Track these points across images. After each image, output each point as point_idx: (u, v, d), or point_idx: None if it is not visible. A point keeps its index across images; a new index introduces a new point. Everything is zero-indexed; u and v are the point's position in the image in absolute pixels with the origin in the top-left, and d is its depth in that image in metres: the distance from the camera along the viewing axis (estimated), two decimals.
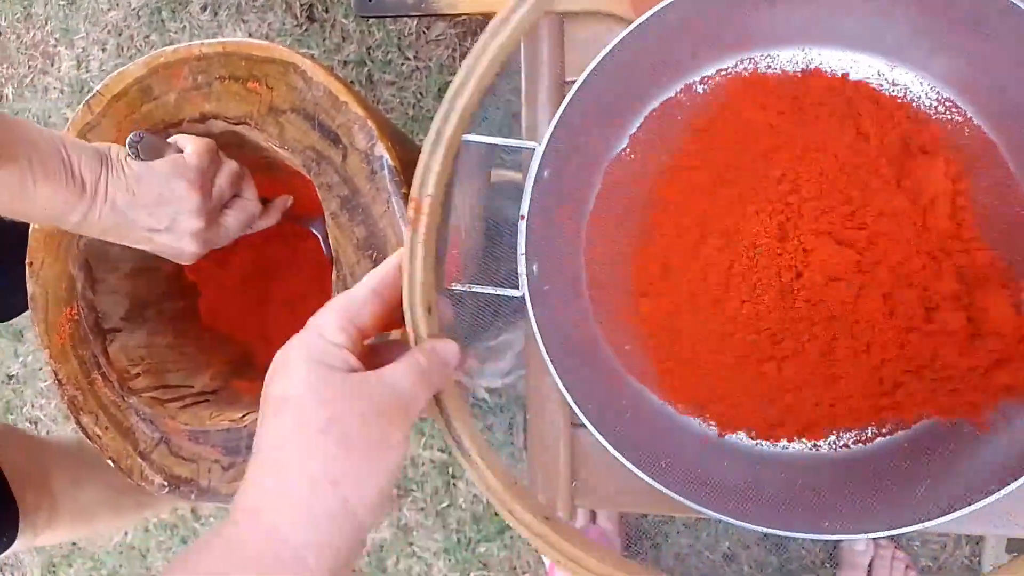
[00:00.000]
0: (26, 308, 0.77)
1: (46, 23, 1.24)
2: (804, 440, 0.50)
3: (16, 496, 0.71)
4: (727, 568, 1.04)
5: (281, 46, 0.54)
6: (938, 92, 0.48)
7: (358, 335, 0.32)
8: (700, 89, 0.52)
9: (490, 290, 0.49)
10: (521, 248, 0.47)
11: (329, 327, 0.31)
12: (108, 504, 0.83)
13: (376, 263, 0.52)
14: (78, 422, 0.60)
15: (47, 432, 1.28)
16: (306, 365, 0.30)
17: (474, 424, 0.34)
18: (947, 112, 0.48)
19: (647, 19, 0.45)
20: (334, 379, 0.30)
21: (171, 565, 0.29)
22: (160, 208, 0.49)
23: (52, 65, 1.24)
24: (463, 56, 1.05)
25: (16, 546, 0.73)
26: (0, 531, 0.70)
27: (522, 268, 0.47)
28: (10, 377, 1.30)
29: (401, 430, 0.30)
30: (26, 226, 0.66)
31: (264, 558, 0.28)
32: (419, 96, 1.08)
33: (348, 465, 0.29)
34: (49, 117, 1.24)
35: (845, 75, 0.49)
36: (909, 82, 0.49)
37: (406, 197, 0.52)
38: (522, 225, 0.47)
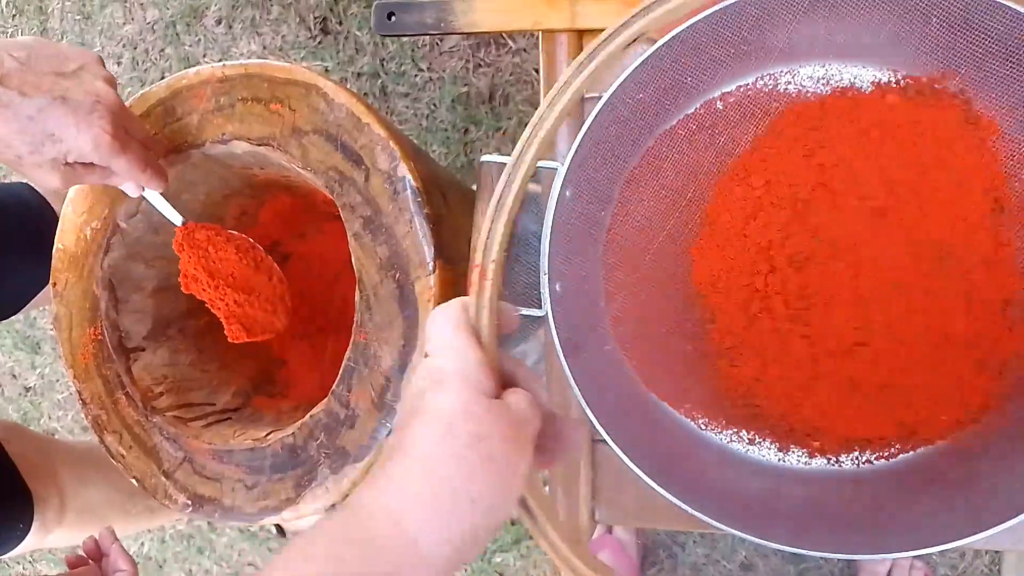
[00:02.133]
0: (19, 305, 0.79)
1: (62, 37, 1.25)
2: (826, 456, 0.50)
3: (29, 486, 0.73)
4: None
5: (303, 67, 0.54)
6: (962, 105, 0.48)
7: (493, 362, 0.33)
8: (720, 106, 0.52)
9: (513, 310, 0.49)
10: (544, 268, 0.47)
11: (475, 353, 0.33)
12: (117, 506, 0.84)
13: (399, 283, 0.52)
14: (102, 441, 0.60)
15: None
16: (459, 382, 0.31)
17: (539, 484, 0.34)
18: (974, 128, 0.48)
19: (669, 39, 0.46)
20: (482, 400, 0.31)
21: (301, 540, 0.30)
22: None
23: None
24: (477, 67, 1.05)
25: (29, 542, 0.74)
26: (17, 518, 0.72)
27: (545, 287, 0.47)
28: (27, 389, 1.31)
29: (527, 459, 0.31)
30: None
31: (391, 553, 0.29)
32: (433, 107, 1.08)
33: (486, 485, 0.30)
34: None
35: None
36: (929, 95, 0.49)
37: (428, 217, 0.52)
38: (545, 244, 0.47)
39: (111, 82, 0.51)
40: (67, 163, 0.49)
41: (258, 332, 0.60)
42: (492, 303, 0.34)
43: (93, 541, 0.63)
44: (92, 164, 0.50)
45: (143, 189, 0.55)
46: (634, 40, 0.32)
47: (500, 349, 0.35)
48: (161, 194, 0.57)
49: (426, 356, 0.34)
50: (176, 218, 0.58)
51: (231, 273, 0.59)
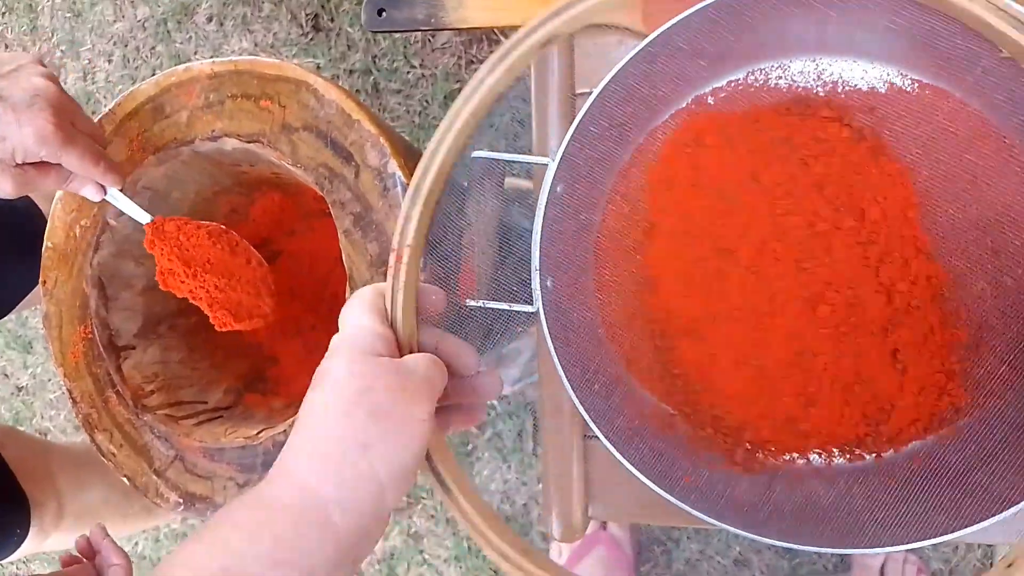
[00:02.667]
0: (9, 306, 0.78)
1: (52, 35, 1.24)
2: (818, 452, 0.50)
3: (25, 490, 0.72)
4: (739, 573, 1.04)
5: (293, 64, 0.54)
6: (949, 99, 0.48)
7: (390, 332, 0.36)
8: (711, 101, 0.52)
9: (504, 306, 0.49)
10: (535, 263, 0.47)
11: (369, 322, 0.35)
12: (115, 508, 0.83)
13: None
14: (93, 440, 0.60)
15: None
16: (348, 348, 0.34)
17: (455, 462, 0.36)
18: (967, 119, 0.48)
19: (660, 34, 0.45)
20: (367, 359, 0.34)
21: (210, 519, 0.32)
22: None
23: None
24: (469, 63, 1.05)
25: (27, 546, 0.74)
26: (15, 524, 0.71)
27: (536, 284, 0.47)
28: (19, 388, 1.30)
29: (424, 408, 0.33)
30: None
31: (292, 510, 0.31)
32: (425, 104, 1.08)
33: (377, 433, 0.32)
34: None
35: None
36: (919, 89, 0.49)
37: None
38: (536, 240, 0.47)
39: (52, 78, 0.50)
40: (18, 165, 0.48)
41: (244, 317, 0.59)
42: (408, 285, 0.36)
43: (85, 540, 0.63)
44: (45, 165, 0.50)
45: (105, 193, 0.54)
46: (548, 41, 0.33)
47: (428, 326, 0.37)
48: (123, 192, 0.56)
49: None
50: (143, 216, 0.57)
51: (207, 259, 0.58)
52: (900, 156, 0.48)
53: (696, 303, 0.50)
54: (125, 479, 0.59)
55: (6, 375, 1.30)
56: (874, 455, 0.49)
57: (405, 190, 0.52)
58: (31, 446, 0.80)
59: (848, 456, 0.49)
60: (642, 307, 0.52)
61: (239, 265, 0.60)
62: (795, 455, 0.50)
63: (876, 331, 0.47)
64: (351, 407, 0.32)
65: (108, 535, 0.62)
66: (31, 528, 0.73)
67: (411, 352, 0.36)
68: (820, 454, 0.50)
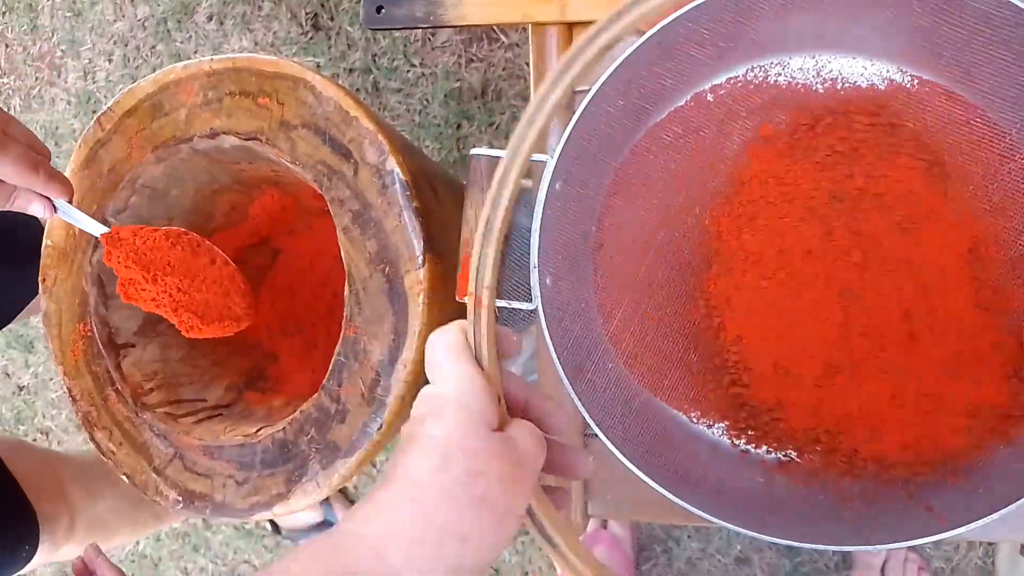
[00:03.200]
0: (9, 316, 0.78)
1: (52, 35, 1.24)
2: (819, 451, 0.50)
3: (34, 507, 0.72)
4: (740, 572, 1.03)
5: (290, 61, 0.54)
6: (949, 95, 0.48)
7: (495, 390, 0.32)
8: (710, 98, 0.52)
9: (503, 303, 0.49)
10: (534, 261, 0.47)
11: (473, 374, 0.31)
12: (125, 516, 0.83)
13: (389, 277, 0.52)
14: (92, 438, 0.60)
15: (58, 443, 1.29)
16: (458, 411, 0.30)
17: (558, 514, 0.33)
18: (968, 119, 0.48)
19: (658, 31, 0.45)
20: (481, 432, 0.30)
21: (280, 567, 0.29)
22: None
23: (59, 76, 1.25)
24: (469, 62, 1.05)
25: (38, 559, 0.73)
26: (22, 541, 0.71)
27: (535, 281, 0.47)
28: (21, 388, 1.30)
29: (525, 499, 0.31)
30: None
31: None
32: (425, 103, 1.08)
33: (478, 524, 0.29)
34: (57, 128, 1.25)
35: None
36: (918, 85, 0.49)
37: (417, 210, 0.52)
38: (534, 238, 0.47)
39: None
40: None
41: (214, 318, 0.58)
42: (490, 329, 0.32)
43: (81, 562, 0.63)
44: None
45: (55, 210, 0.52)
46: (611, 45, 0.30)
47: (508, 373, 0.34)
48: (71, 203, 0.54)
49: (427, 383, 0.32)
50: (97, 229, 0.55)
51: (167, 262, 0.56)
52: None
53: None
54: (124, 477, 0.59)
55: (7, 374, 1.31)
56: (875, 451, 0.49)
57: (403, 187, 0.52)
58: (41, 460, 0.79)
59: (847, 456, 0.49)
60: (644, 302, 0.52)
61: (202, 265, 0.58)
62: (797, 453, 0.50)
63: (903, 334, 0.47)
64: (458, 489, 0.29)
65: (102, 553, 0.62)
66: (42, 543, 0.72)
67: (502, 409, 0.32)
68: (821, 451, 0.49)
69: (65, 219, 0.54)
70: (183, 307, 0.56)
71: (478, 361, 0.32)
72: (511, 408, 0.33)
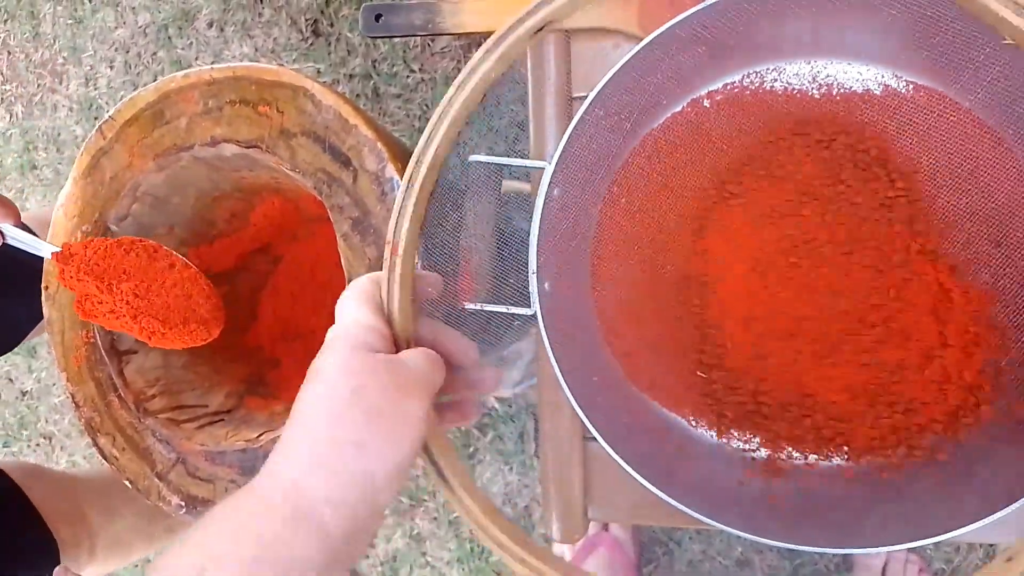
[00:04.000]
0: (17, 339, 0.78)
1: (54, 42, 1.25)
2: (818, 452, 0.50)
3: (54, 532, 0.71)
4: (741, 574, 1.04)
5: (290, 70, 0.55)
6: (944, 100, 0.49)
7: (386, 325, 0.35)
8: (707, 104, 0.52)
9: (502, 309, 0.49)
10: (533, 267, 0.47)
11: (364, 315, 0.34)
12: (142, 533, 0.83)
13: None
14: (95, 443, 0.60)
15: (61, 447, 1.29)
16: (341, 343, 0.33)
17: (456, 456, 0.35)
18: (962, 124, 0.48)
19: (656, 37, 0.46)
20: (362, 356, 0.33)
21: (199, 520, 0.31)
22: None
23: (60, 83, 1.25)
24: None
25: None
26: (41, 568, 0.70)
27: (534, 286, 0.47)
28: (24, 393, 1.31)
29: (419, 405, 0.33)
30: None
31: (279, 509, 0.30)
32: (425, 108, 1.08)
33: (371, 432, 0.31)
34: (58, 135, 1.25)
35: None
36: (913, 90, 0.49)
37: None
38: (533, 243, 0.47)
39: None
40: None
41: (177, 321, 0.56)
42: (404, 276, 0.35)
43: None
44: None
45: (4, 237, 0.51)
46: (541, 28, 0.32)
47: (426, 318, 0.36)
48: (23, 227, 0.53)
49: None
50: (47, 249, 0.54)
51: (122, 270, 0.55)
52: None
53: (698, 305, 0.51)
54: (127, 482, 0.59)
55: (11, 380, 1.31)
56: (874, 453, 0.49)
57: None
58: (57, 484, 0.78)
59: (848, 454, 0.49)
60: (641, 309, 0.52)
61: (160, 270, 0.57)
62: (798, 454, 0.50)
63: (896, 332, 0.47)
64: (344, 405, 0.31)
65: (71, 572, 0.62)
66: (65, 567, 0.72)
67: (408, 346, 0.35)
68: (820, 452, 0.50)
69: (14, 243, 0.53)
70: (143, 313, 0.55)
71: (388, 304, 0.35)
72: (422, 345, 0.36)
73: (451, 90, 0.34)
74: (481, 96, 0.34)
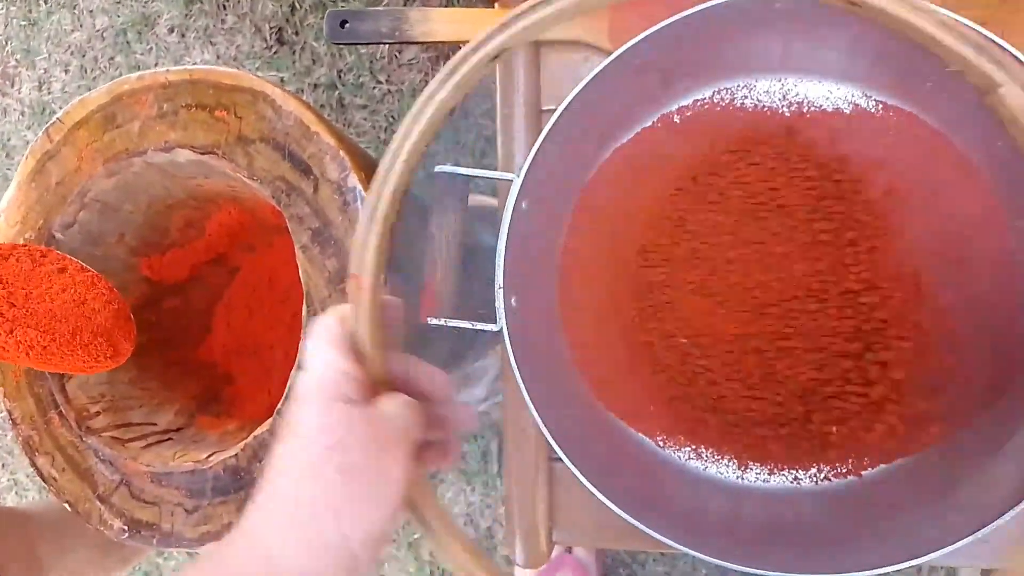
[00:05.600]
0: None
1: (6, 44, 1.21)
2: (785, 473, 0.49)
3: (3, 572, 0.67)
4: None
5: (250, 74, 0.53)
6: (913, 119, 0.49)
7: (360, 369, 0.32)
8: (676, 120, 0.52)
9: (467, 324, 0.47)
10: (499, 282, 0.46)
11: (335, 359, 0.32)
12: (96, 564, 0.79)
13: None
14: (33, 464, 0.57)
15: (3, 466, 1.23)
16: (316, 394, 0.31)
17: (436, 502, 0.33)
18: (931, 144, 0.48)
19: (625, 51, 0.45)
20: (338, 409, 0.30)
21: None
22: None
23: (12, 87, 1.21)
24: None
25: None
26: None
27: (500, 302, 0.46)
28: None
29: (400, 465, 0.30)
30: None
31: None
32: (391, 120, 1.07)
33: (348, 495, 0.29)
34: (8, 140, 1.21)
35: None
36: (882, 111, 0.49)
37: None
38: (500, 257, 0.46)
39: None
40: None
41: (67, 332, 0.51)
42: (372, 311, 0.32)
43: None
44: None
45: None
46: (498, 55, 0.31)
47: (395, 353, 0.34)
48: None
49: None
50: None
51: None
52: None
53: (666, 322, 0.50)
54: (67, 505, 0.56)
55: None
56: (841, 477, 0.49)
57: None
58: (7, 520, 0.75)
59: (816, 476, 0.49)
60: (609, 325, 0.51)
61: (46, 275, 0.51)
62: (764, 473, 0.49)
63: (852, 349, 0.47)
64: (320, 465, 0.29)
65: None
66: None
67: (382, 384, 0.33)
68: (787, 474, 0.49)
69: None
70: (20, 324, 0.49)
71: (356, 342, 0.32)
72: (395, 384, 0.34)
73: (407, 120, 0.32)
74: (439, 125, 0.32)
